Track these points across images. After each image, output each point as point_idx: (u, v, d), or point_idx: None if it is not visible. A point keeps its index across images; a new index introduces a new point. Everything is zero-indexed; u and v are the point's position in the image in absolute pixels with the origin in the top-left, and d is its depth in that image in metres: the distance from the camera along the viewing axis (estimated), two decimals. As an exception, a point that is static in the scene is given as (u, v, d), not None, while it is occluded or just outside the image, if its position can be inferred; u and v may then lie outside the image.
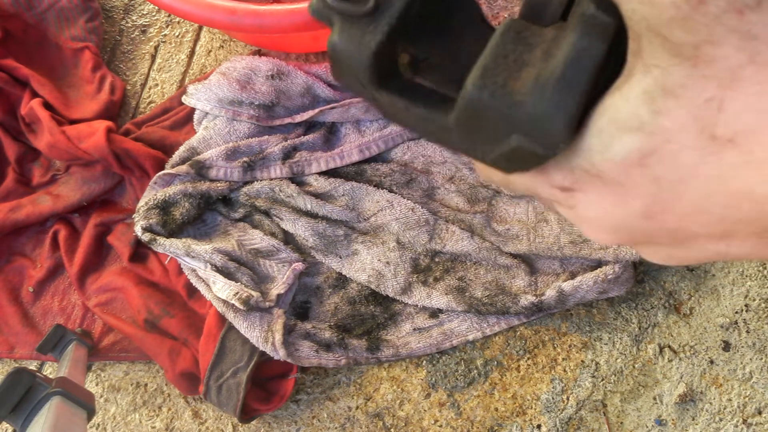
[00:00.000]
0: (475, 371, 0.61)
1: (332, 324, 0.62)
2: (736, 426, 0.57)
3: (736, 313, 0.60)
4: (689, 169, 0.15)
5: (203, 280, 0.62)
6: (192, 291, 0.64)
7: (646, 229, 0.17)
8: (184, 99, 0.70)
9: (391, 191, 0.65)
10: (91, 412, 0.48)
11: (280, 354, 0.58)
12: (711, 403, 0.58)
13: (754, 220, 0.15)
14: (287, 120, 0.67)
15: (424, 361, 0.62)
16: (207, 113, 0.68)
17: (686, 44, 0.13)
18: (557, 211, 0.22)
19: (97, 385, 0.67)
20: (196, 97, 0.68)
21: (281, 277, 0.63)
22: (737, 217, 0.15)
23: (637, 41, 0.15)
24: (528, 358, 0.61)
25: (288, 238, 0.65)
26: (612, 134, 0.15)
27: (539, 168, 0.18)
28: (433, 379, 0.61)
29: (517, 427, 0.59)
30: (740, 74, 0.13)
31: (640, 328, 0.61)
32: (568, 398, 0.59)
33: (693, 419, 0.58)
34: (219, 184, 0.65)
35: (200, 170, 0.65)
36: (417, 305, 0.63)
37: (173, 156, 0.67)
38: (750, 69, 0.13)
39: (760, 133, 0.14)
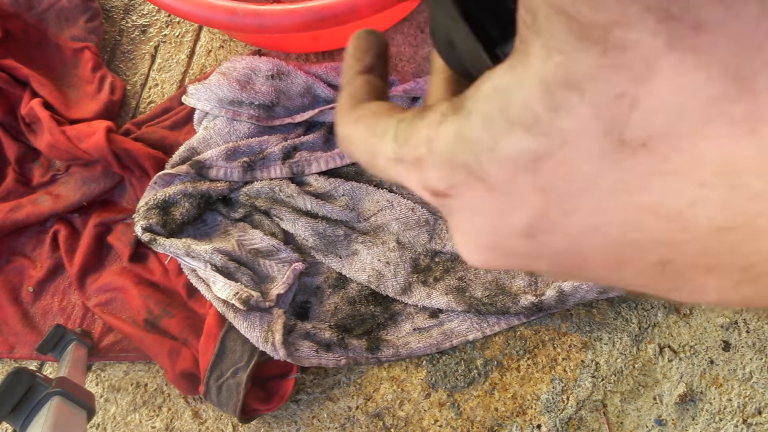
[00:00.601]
0: (475, 371, 0.61)
1: (332, 324, 0.62)
2: (736, 426, 0.57)
3: (736, 313, 0.60)
4: (587, 181, 0.13)
5: (203, 280, 0.62)
6: (192, 291, 0.64)
7: (525, 250, 0.15)
8: (184, 99, 0.70)
9: (391, 191, 0.65)
10: (91, 412, 0.48)
11: (280, 354, 0.58)
12: (711, 403, 0.58)
13: (657, 243, 0.13)
14: (287, 120, 0.67)
15: (424, 361, 0.62)
16: (207, 113, 0.68)
17: (595, 25, 0.11)
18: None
19: (97, 385, 0.67)
20: (196, 97, 0.68)
21: (281, 277, 0.63)
22: (637, 240, 0.13)
23: (532, 14, 0.12)
24: (528, 358, 0.61)
25: (288, 238, 0.65)
26: (502, 128, 0.13)
27: (416, 159, 0.15)
28: (433, 379, 0.62)
29: (517, 427, 0.59)
30: (657, 64, 0.11)
31: (640, 328, 0.61)
32: (568, 398, 0.59)
33: (693, 419, 0.58)
34: (219, 184, 0.65)
35: (200, 170, 0.65)
36: (417, 305, 0.63)
37: (173, 156, 0.67)
38: (669, 58, 0.11)
39: (678, 136, 0.11)
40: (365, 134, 0.17)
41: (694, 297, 0.14)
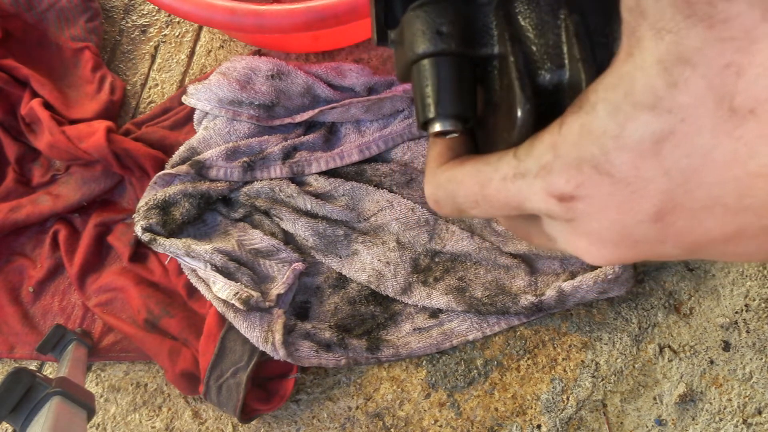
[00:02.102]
0: (475, 371, 0.61)
1: (332, 324, 0.62)
2: (736, 426, 0.57)
3: (736, 313, 0.60)
4: (704, 154, 0.14)
5: (203, 280, 0.62)
6: (192, 291, 0.64)
7: (653, 236, 0.16)
8: (184, 99, 0.70)
9: (391, 191, 0.65)
10: (91, 412, 0.48)
11: (280, 354, 0.58)
12: (711, 403, 0.58)
13: None
14: (287, 120, 0.67)
15: (424, 361, 0.62)
16: (207, 113, 0.68)
17: (700, 2, 0.12)
18: (539, 234, 0.19)
19: (97, 385, 0.67)
20: (196, 97, 0.68)
21: (281, 277, 0.63)
22: (752, 205, 0.14)
23: None
24: (528, 358, 0.61)
25: (288, 238, 0.65)
26: (628, 113, 0.14)
27: (541, 168, 0.16)
28: (433, 379, 0.62)
29: (517, 427, 0.59)
30: (756, 35, 0.12)
31: (640, 328, 0.61)
32: (568, 398, 0.59)
33: (693, 419, 0.58)
34: (219, 184, 0.65)
35: (200, 170, 0.65)
36: (417, 305, 0.63)
37: (173, 156, 0.67)
38: (764, 28, 0.12)
39: None
40: (475, 167, 0.18)
41: None
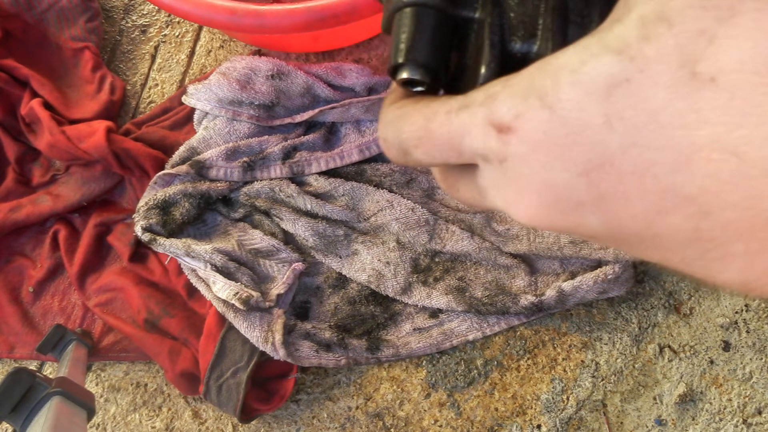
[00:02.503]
0: (475, 371, 0.61)
1: (332, 324, 0.62)
2: (736, 426, 0.57)
3: (736, 313, 0.60)
4: (651, 113, 0.13)
5: (203, 280, 0.62)
6: (192, 291, 0.64)
7: (576, 195, 0.15)
8: (184, 99, 0.70)
9: (391, 191, 0.65)
10: (91, 412, 0.48)
11: (280, 354, 0.58)
12: (711, 403, 0.58)
13: (700, 190, 0.13)
14: (287, 120, 0.67)
15: (424, 361, 0.62)
16: (207, 113, 0.68)
17: None
18: (468, 187, 0.19)
19: (97, 385, 0.67)
20: (196, 97, 0.68)
21: (281, 277, 0.62)
22: (683, 184, 0.13)
23: None
24: (528, 358, 0.61)
25: (288, 238, 0.65)
26: (593, 52, 0.14)
27: (487, 97, 0.16)
28: (433, 379, 0.61)
29: (517, 427, 0.59)
30: (739, 9, 0.12)
31: (640, 328, 0.61)
32: (568, 398, 0.59)
33: (693, 419, 0.58)
34: (219, 184, 0.65)
35: (200, 170, 0.65)
36: (417, 305, 0.63)
37: (173, 156, 0.67)
38: (749, 4, 0.12)
39: (744, 74, 0.12)
40: (423, 104, 0.18)
41: (715, 269, 0.14)
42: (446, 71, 0.20)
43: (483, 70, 0.18)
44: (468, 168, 0.19)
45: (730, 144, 0.13)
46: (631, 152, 0.14)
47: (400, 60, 0.19)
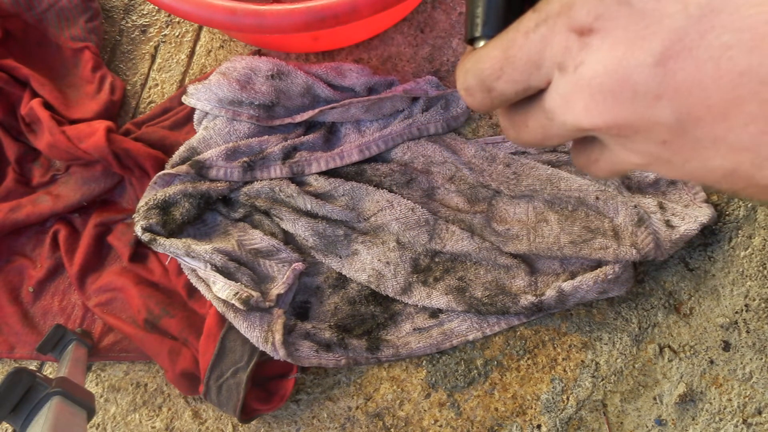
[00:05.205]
0: (475, 371, 0.61)
1: (332, 324, 0.62)
2: (736, 426, 0.57)
3: (736, 313, 0.60)
4: None
5: (203, 280, 0.62)
6: (192, 291, 0.64)
7: (652, 85, 0.15)
8: (184, 99, 0.70)
9: (391, 191, 0.65)
10: (91, 412, 0.48)
11: (280, 354, 0.58)
12: (711, 403, 0.58)
13: None
14: (287, 120, 0.67)
15: (424, 361, 0.62)
16: (207, 113, 0.68)
17: None
18: (536, 115, 0.19)
19: (97, 385, 0.67)
20: (196, 97, 0.68)
21: (281, 277, 0.63)
22: (759, 65, 0.13)
23: None
24: (528, 358, 0.61)
25: (288, 238, 0.65)
26: None
27: (563, 6, 0.16)
28: (433, 379, 0.62)
29: (517, 427, 0.59)
30: None
31: (640, 328, 0.61)
32: (568, 398, 0.59)
33: (693, 419, 0.58)
34: (219, 184, 0.65)
35: (200, 170, 0.65)
36: (417, 305, 0.63)
37: (173, 156, 0.67)
38: None
39: None
40: (498, 39, 0.19)
41: None
42: None
43: None
44: (535, 99, 0.19)
45: None
46: (708, 37, 0.14)
47: (477, 34, 0.21)
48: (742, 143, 0.15)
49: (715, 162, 0.16)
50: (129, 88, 0.78)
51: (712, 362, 0.59)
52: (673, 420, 0.58)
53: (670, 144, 0.16)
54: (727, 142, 0.15)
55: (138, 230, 0.63)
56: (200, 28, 0.79)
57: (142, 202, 0.64)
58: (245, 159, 0.65)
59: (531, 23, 0.18)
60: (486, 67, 0.19)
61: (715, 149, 0.15)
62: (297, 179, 0.67)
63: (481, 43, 0.21)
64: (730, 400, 0.58)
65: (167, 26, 0.80)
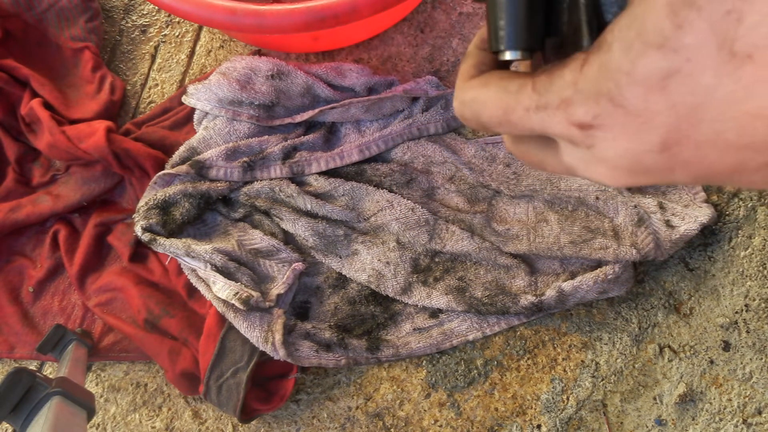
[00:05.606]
0: (475, 371, 0.61)
1: (332, 324, 0.62)
2: (736, 426, 0.57)
3: (736, 313, 0.60)
4: (707, 92, 0.15)
5: (203, 280, 0.62)
6: (192, 291, 0.64)
7: (662, 165, 0.17)
8: (184, 99, 0.70)
9: (391, 191, 0.65)
10: (91, 412, 0.48)
11: (280, 354, 0.58)
12: (711, 403, 0.58)
13: (766, 145, 0.15)
14: (287, 120, 0.67)
15: (424, 361, 0.62)
16: (207, 113, 0.68)
17: None
18: (554, 163, 0.21)
19: (97, 385, 0.67)
20: (196, 97, 0.68)
21: (281, 277, 0.62)
22: (752, 143, 0.15)
23: None
24: (528, 358, 0.61)
25: (288, 238, 0.65)
26: (639, 50, 0.15)
27: (561, 102, 0.17)
28: (433, 379, 0.62)
29: (517, 427, 0.59)
30: None
31: (640, 328, 0.61)
32: (568, 398, 0.59)
33: (693, 419, 0.58)
34: (219, 184, 0.65)
35: (200, 170, 0.65)
36: (417, 305, 0.63)
37: (173, 156, 0.67)
38: None
39: None
40: (497, 94, 0.20)
41: None
42: (542, 41, 0.22)
43: (585, 42, 0.19)
44: (549, 146, 0.21)
45: None
46: (701, 127, 0.15)
47: (502, 47, 0.21)
48: (756, 182, 0.17)
49: (731, 183, 0.18)
50: (129, 88, 0.78)
51: (712, 362, 0.59)
52: (673, 420, 0.58)
53: (692, 182, 0.19)
54: (741, 180, 0.17)
55: (138, 230, 0.63)
56: (200, 28, 0.79)
57: (142, 202, 0.64)
58: (245, 159, 0.65)
59: (531, 103, 0.19)
60: (485, 115, 0.21)
61: (730, 182, 0.18)
62: (297, 179, 0.67)
63: (507, 56, 0.21)
64: (730, 400, 0.58)
65: (167, 26, 0.80)
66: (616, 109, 0.16)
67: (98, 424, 0.65)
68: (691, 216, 0.59)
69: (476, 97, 0.21)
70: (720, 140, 0.15)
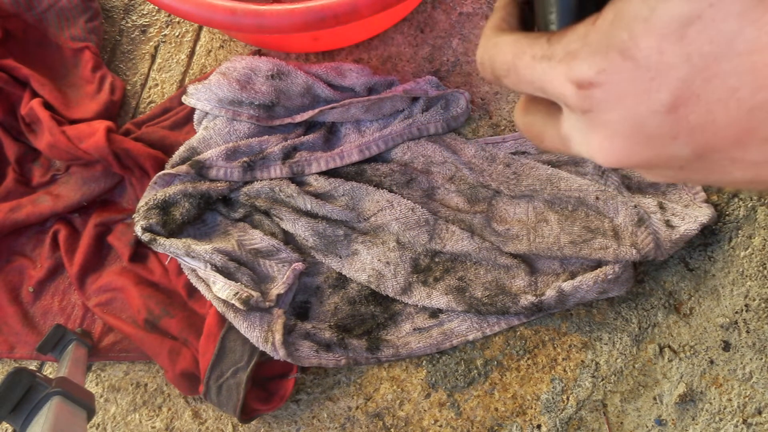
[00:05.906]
0: (475, 371, 0.61)
1: (332, 324, 0.62)
2: (736, 426, 0.57)
3: (736, 313, 0.60)
4: (727, 42, 0.14)
5: (203, 280, 0.62)
6: (192, 291, 0.64)
7: (665, 129, 0.16)
8: (184, 99, 0.70)
9: (391, 191, 0.65)
10: (91, 412, 0.48)
11: (280, 354, 0.58)
12: (711, 403, 0.58)
13: None
14: (287, 120, 0.67)
15: (424, 361, 0.62)
16: (207, 113, 0.68)
17: None
18: (552, 136, 0.20)
19: (97, 385, 0.67)
20: (196, 97, 0.68)
21: (281, 277, 0.63)
22: (765, 100, 0.14)
23: None
24: (528, 358, 0.61)
25: (288, 238, 0.65)
26: None
27: (566, 54, 0.17)
28: (433, 379, 0.62)
29: (517, 427, 0.59)
30: None
31: (640, 328, 0.61)
32: (568, 398, 0.59)
33: (693, 419, 0.58)
34: (219, 184, 0.65)
35: (200, 170, 0.65)
36: (417, 305, 0.63)
37: (173, 156, 0.67)
38: None
39: None
40: (516, 40, 0.19)
41: None
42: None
43: None
44: (552, 114, 0.20)
45: None
46: (715, 82, 0.15)
47: (553, 28, 0.20)
48: (761, 159, 0.16)
49: (734, 175, 0.17)
50: (129, 88, 0.78)
51: (712, 362, 0.59)
52: (673, 420, 0.58)
53: (688, 168, 0.17)
54: (746, 160, 0.16)
55: (138, 230, 0.63)
56: (200, 28, 0.79)
57: (142, 202, 0.64)
58: (245, 159, 0.65)
59: (539, 50, 0.18)
60: (498, 60, 0.20)
61: (733, 166, 0.16)
62: (297, 179, 0.67)
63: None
64: (730, 400, 0.58)
65: (167, 26, 0.80)
66: (626, 63, 0.15)
67: (98, 424, 0.65)
68: (691, 216, 0.59)
69: (497, 42, 0.20)
70: (733, 98, 0.15)
